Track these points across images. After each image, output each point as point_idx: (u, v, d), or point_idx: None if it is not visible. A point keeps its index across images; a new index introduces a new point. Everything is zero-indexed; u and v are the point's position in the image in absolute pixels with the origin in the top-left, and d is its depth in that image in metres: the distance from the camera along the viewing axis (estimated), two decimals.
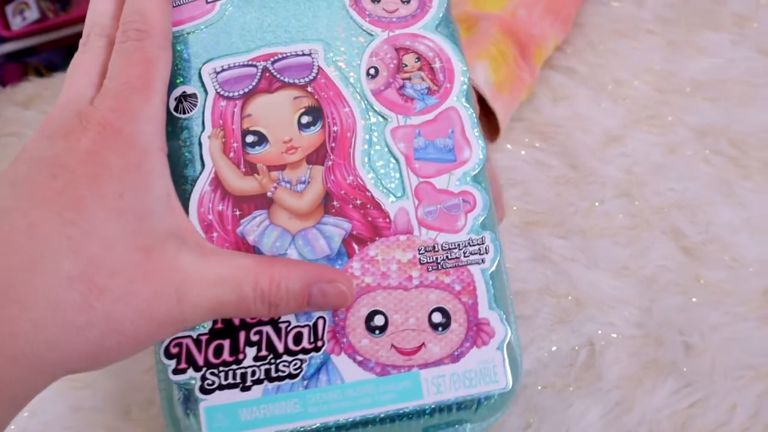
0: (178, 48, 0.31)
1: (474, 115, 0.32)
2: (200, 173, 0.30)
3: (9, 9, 0.71)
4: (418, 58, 0.32)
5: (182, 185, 0.30)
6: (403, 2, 0.33)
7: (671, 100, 0.50)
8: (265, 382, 0.29)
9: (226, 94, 0.31)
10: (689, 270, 0.43)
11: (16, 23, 0.70)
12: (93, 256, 0.23)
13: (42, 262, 0.23)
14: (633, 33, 0.53)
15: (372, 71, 0.32)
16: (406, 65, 0.32)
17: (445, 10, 0.33)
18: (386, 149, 0.31)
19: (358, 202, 0.30)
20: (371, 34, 0.32)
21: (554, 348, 0.42)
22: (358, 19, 0.32)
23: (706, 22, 0.54)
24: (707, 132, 0.48)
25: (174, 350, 0.28)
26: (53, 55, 0.77)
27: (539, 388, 0.42)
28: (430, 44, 0.32)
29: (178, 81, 0.31)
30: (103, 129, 0.26)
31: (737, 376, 0.40)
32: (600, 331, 0.42)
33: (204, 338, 0.29)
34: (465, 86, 0.32)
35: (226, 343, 0.29)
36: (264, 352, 0.29)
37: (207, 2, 0.32)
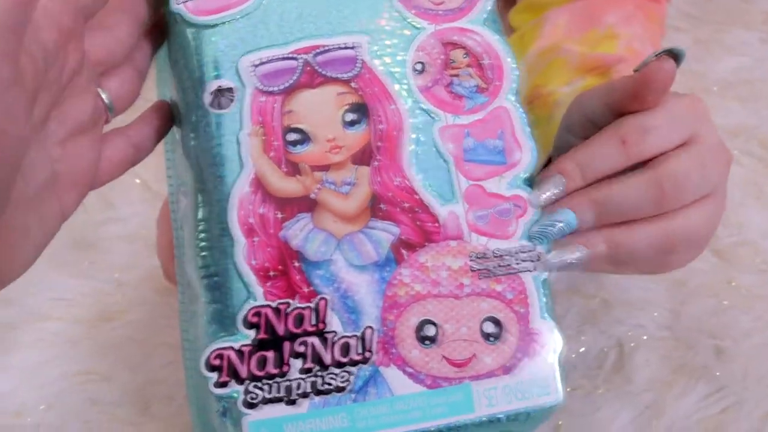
0: (213, 39, 0.29)
1: (525, 114, 0.30)
2: (239, 174, 0.28)
3: None
4: (467, 54, 0.31)
5: (218, 186, 0.28)
6: None
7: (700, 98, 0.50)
8: (312, 396, 0.27)
9: (266, 88, 0.29)
10: (720, 273, 0.42)
11: None
12: None
13: None
14: None
15: (419, 66, 0.30)
16: (453, 61, 0.31)
17: (492, 4, 0.32)
18: (434, 150, 0.29)
19: (406, 205, 0.29)
20: (417, 27, 0.31)
21: (582, 349, 0.42)
22: (403, 10, 0.31)
23: (735, 20, 0.53)
24: (737, 132, 0.48)
25: (215, 362, 0.27)
26: None
27: (568, 390, 0.41)
28: (479, 39, 0.31)
29: (213, 74, 0.29)
30: None
31: None
32: (630, 333, 0.41)
33: (247, 349, 0.27)
34: (515, 84, 0.31)
35: (271, 354, 0.27)
36: (310, 364, 0.27)
37: None
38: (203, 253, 0.28)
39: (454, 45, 0.31)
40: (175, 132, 0.32)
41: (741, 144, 0.47)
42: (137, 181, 0.54)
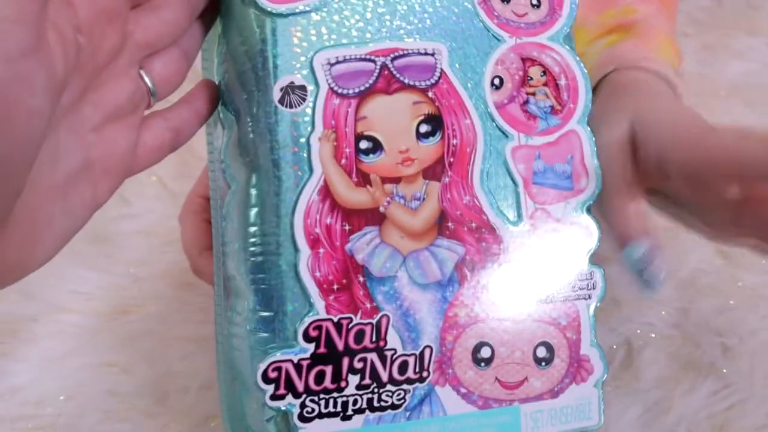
0: (285, 29, 0.27)
1: (594, 140, 0.30)
2: (307, 179, 0.27)
3: None
4: (544, 72, 0.30)
5: (280, 189, 0.27)
6: (533, 5, 0.30)
7: (707, 103, 0.50)
8: (367, 412, 0.27)
9: (341, 90, 0.27)
10: (727, 273, 0.44)
11: None
12: None
13: None
14: None
15: (497, 81, 0.29)
16: (531, 78, 0.30)
17: (572, 22, 0.31)
18: (505, 169, 0.29)
19: (474, 224, 0.28)
20: (498, 39, 0.29)
21: None
22: (486, 19, 0.29)
23: (742, 25, 0.54)
24: None
25: (273, 374, 0.26)
26: None
27: None
28: (558, 58, 0.30)
29: (284, 68, 0.27)
30: None
31: None
32: (638, 331, 0.42)
33: (305, 363, 0.26)
34: (588, 108, 0.30)
35: (329, 369, 0.27)
36: (368, 381, 0.27)
37: None
38: (256, 258, 0.27)
39: (533, 61, 0.30)
40: (220, 112, 0.30)
41: None
42: (153, 178, 0.52)
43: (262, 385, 0.26)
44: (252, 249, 0.27)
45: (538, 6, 0.30)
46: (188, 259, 0.35)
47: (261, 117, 0.27)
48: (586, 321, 0.29)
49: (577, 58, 0.30)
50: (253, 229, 0.27)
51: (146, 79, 0.26)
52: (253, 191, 0.28)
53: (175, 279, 0.40)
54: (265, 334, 0.27)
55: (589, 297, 0.29)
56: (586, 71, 0.30)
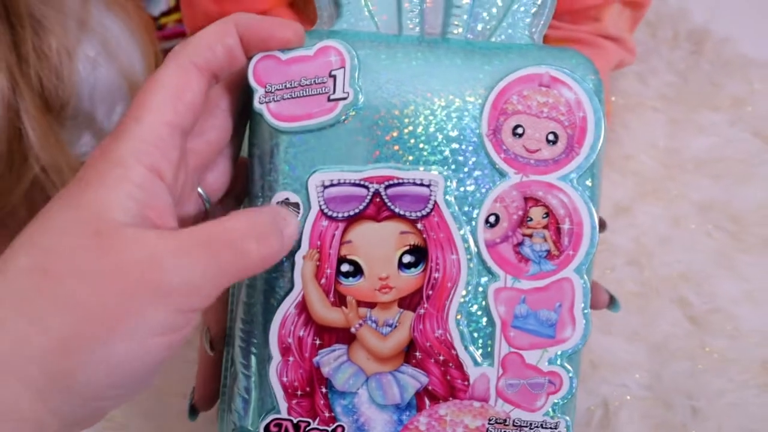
0: (289, 147, 0.28)
1: (588, 289, 0.29)
2: (287, 292, 0.29)
3: None
4: (547, 214, 0.29)
5: (268, 294, 0.29)
6: (548, 141, 0.28)
7: (675, 176, 0.54)
8: None
9: (330, 213, 0.28)
10: (695, 338, 0.46)
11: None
12: (46, 246, 0.23)
13: None
14: (639, 109, 0.57)
15: (492, 219, 0.28)
16: (531, 219, 0.29)
17: (596, 158, 0.28)
18: (484, 309, 0.29)
19: (441, 358, 0.29)
20: (502, 174, 0.28)
21: None
22: (492, 153, 0.28)
23: (705, 102, 0.57)
24: (709, 207, 0.51)
25: (274, 430, 0.29)
26: None
27: None
28: (565, 200, 0.28)
29: (283, 183, 0.29)
30: (96, 150, 0.25)
31: None
32: (614, 392, 0.44)
33: (303, 425, 0.29)
34: (590, 257, 0.29)
35: None
36: None
37: (329, 99, 0.28)
38: (242, 345, 0.30)
39: (536, 202, 0.28)
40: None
41: (713, 218, 0.50)
42: None
43: None
44: (241, 336, 0.30)
45: (555, 142, 0.28)
46: (207, 330, 0.38)
47: None
48: None
49: (588, 202, 0.28)
50: (242, 322, 0.30)
51: (201, 192, 0.29)
52: (247, 291, 0.30)
53: None
54: (242, 413, 0.30)
55: None
56: (596, 217, 0.28)
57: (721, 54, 0.61)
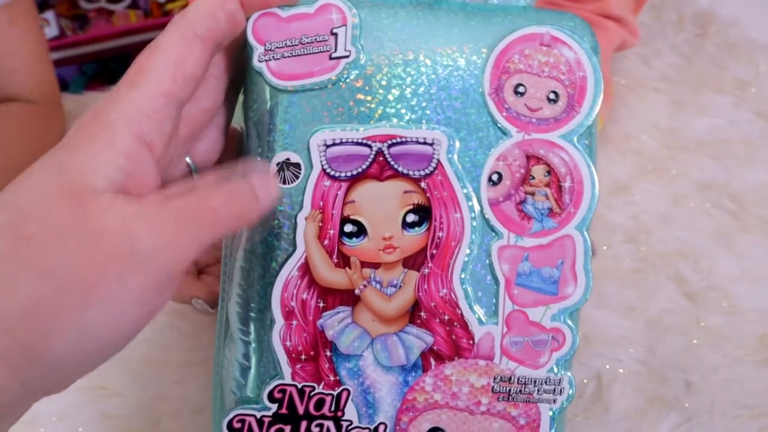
0: (289, 106, 0.28)
1: (590, 247, 0.29)
2: (290, 255, 0.28)
3: None
4: (548, 172, 0.29)
5: (268, 259, 0.28)
6: (549, 100, 0.29)
7: (676, 156, 0.54)
8: None
9: (333, 173, 0.28)
10: (691, 314, 0.46)
11: None
12: (21, 207, 0.22)
13: None
14: (641, 90, 0.57)
15: (495, 177, 0.29)
16: (533, 177, 0.29)
17: (594, 118, 0.29)
18: (488, 267, 0.29)
19: (446, 317, 0.29)
20: (504, 133, 0.28)
21: None
22: (494, 111, 0.28)
23: (709, 84, 0.57)
24: (709, 186, 0.52)
25: (237, 425, 0.29)
26: (65, 71, 0.78)
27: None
28: (566, 158, 0.29)
29: (282, 143, 0.28)
30: (89, 112, 0.24)
31: (735, 415, 0.43)
32: (608, 366, 0.44)
33: (267, 420, 0.29)
34: (590, 214, 0.29)
35: (288, 429, 0.29)
36: None
37: (331, 58, 0.28)
38: (240, 311, 0.29)
39: (538, 160, 0.29)
40: None
41: (713, 197, 0.51)
42: None
43: None
44: (240, 302, 0.30)
45: (556, 101, 0.29)
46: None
47: None
48: (546, 424, 0.30)
49: (588, 159, 0.29)
50: (239, 291, 0.29)
51: (188, 161, 0.29)
52: (247, 256, 0.29)
53: (167, 306, 0.43)
54: (242, 381, 0.30)
55: (554, 401, 0.30)
56: (596, 176, 0.29)
57: (727, 37, 0.60)
